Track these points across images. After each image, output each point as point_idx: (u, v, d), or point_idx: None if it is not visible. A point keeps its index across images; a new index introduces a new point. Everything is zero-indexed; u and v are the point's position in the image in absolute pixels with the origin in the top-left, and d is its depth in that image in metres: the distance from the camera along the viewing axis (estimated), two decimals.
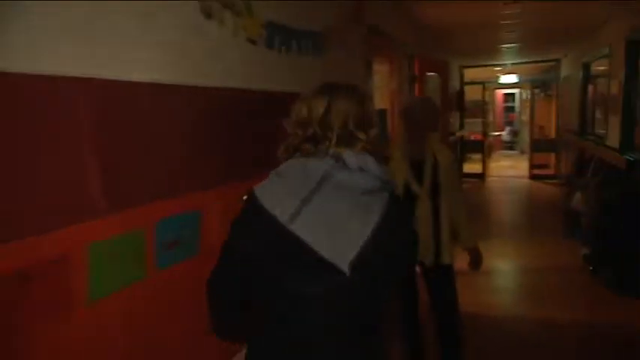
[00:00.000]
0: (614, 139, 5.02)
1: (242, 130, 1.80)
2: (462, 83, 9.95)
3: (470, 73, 10.40)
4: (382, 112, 4.05)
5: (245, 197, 1.11)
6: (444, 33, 6.18)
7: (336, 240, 1.03)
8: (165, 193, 1.38)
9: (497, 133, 15.34)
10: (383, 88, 4.23)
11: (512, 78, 11.05)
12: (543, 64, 10.47)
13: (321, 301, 1.05)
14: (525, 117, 14.96)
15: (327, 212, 1.03)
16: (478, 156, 10.74)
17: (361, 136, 1.10)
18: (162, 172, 1.39)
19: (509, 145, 16.05)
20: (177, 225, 1.43)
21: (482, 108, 10.64)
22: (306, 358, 1.08)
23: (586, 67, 7.11)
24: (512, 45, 7.43)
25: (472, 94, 10.90)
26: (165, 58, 1.43)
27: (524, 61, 9.90)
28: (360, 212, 1.05)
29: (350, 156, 1.06)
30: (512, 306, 4.08)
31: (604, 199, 4.43)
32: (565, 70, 9.24)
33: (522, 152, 15.35)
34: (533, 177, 10.25)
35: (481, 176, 10.17)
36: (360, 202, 1.06)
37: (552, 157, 10.55)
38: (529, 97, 12.87)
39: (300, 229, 1.01)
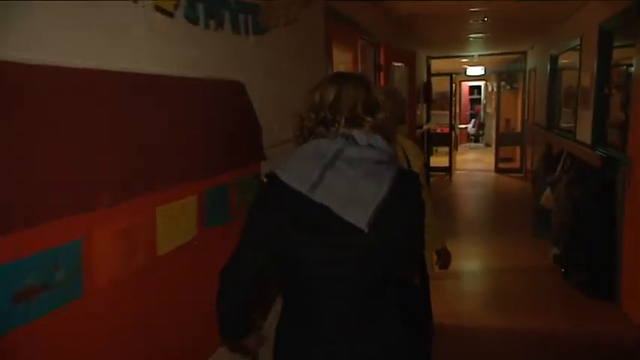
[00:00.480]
0: (584, 134, 4.82)
1: (150, 128, 1.38)
2: (429, 74, 9.70)
3: (436, 65, 10.18)
4: None
5: (265, 180, 1.23)
6: (410, 21, 5.85)
7: (354, 203, 1.13)
8: (18, 221, 0.95)
9: (463, 126, 15.27)
10: None
11: (478, 70, 10.89)
12: (510, 56, 10.34)
13: (343, 263, 1.18)
14: (491, 110, 14.95)
15: (343, 180, 1.14)
16: (444, 149, 10.56)
17: (368, 118, 1.20)
18: (16, 189, 0.97)
19: (475, 138, 16.03)
20: (44, 263, 1.01)
21: (449, 100, 10.44)
22: (328, 325, 1.21)
23: (554, 59, 6.94)
24: (480, 35, 7.19)
25: (438, 85, 10.69)
26: (27, 29, 1.00)
27: (490, 52, 9.73)
28: (373, 178, 1.16)
29: (359, 134, 1.18)
30: (481, 313, 3.81)
31: (576, 197, 4.22)
32: (531, 63, 9.11)
33: (487, 145, 15.36)
34: (499, 170, 10.15)
35: (448, 170, 9.98)
36: (372, 170, 1.16)
37: (517, 150, 10.48)
38: (495, 89, 12.80)
39: (321, 196, 1.13)
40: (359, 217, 1.13)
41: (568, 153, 5.16)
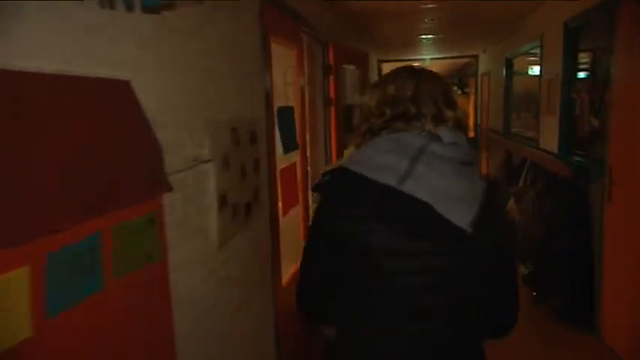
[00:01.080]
0: (549, 142, 4.47)
1: None
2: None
3: (387, 68, 9.80)
4: (288, 111, 3.10)
5: (326, 176, 1.10)
6: (361, 18, 5.37)
7: (453, 200, 1.00)
8: None
9: None
10: (287, 76, 3.27)
11: None
12: (461, 60, 10.13)
13: (432, 270, 1.03)
14: None
15: (435, 175, 1.02)
16: None
17: (450, 113, 1.12)
18: None
19: None
20: None
21: None
22: (401, 335, 1.06)
23: (509, 62, 6.67)
24: (432, 36, 6.82)
25: None
26: None
27: (442, 56, 9.46)
28: (465, 178, 1.05)
29: (445, 131, 1.08)
30: None
31: (548, 210, 3.83)
32: (484, 67, 8.90)
33: None
34: None
35: None
36: (461, 170, 1.05)
37: None
38: None
39: (413, 189, 1.00)
40: (461, 215, 0.99)
41: (532, 162, 4.81)
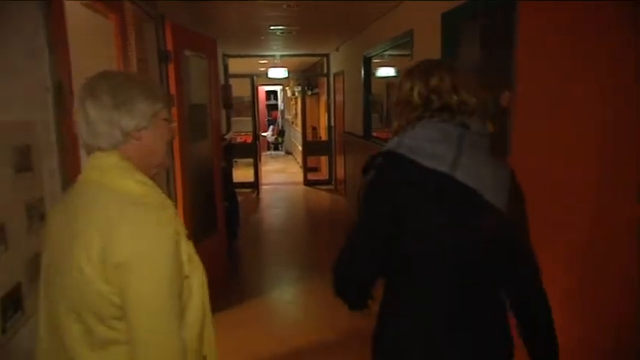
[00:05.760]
0: None
1: None
2: (227, 75, 8.30)
3: (233, 65, 8.84)
4: None
5: (377, 159, 1.19)
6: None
7: (492, 185, 1.18)
8: None
9: (263, 134, 14.36)
10: (102, 59, 2.15)
11: (281, 72, 9.92)
12: (310, 60, 9.64)
13: (473, 246, 1.17)
14: (290, 116, 14.37)
15: (475, 163, 1.17)
16: (244, 160, 9.33)
17: (475, 104, 1.25)
18: None
19: (275, 146, 15.32)
20: None
21: (252, 105, 9.21)
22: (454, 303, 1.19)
23: (367, 61, 6.25)
24: (282, 27, 6.07)
25: (235, 89, 9.38)
26: None
27: (292, 53, 8.83)
28: (498, 166, 1.23)
29: (474, 122, 1.22)
30: None
31: None
32: (337, 66, 8.49)
33: (288, 153, 14.78)
34: (308, 183, 9.34)
35: (254, 185, 8.74)
36: (489, 157, 1.22)
37: (324, 159, 9.89)
38: (296, 94, 12.13)
39: (464, 177, 1.15)
40: (499, 197, 1.17)
41: None
